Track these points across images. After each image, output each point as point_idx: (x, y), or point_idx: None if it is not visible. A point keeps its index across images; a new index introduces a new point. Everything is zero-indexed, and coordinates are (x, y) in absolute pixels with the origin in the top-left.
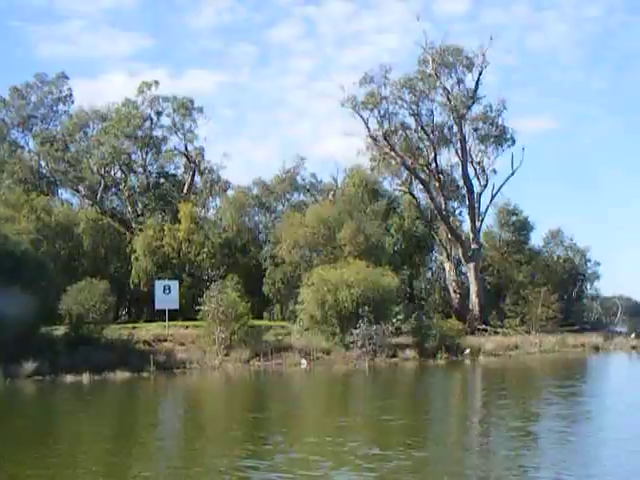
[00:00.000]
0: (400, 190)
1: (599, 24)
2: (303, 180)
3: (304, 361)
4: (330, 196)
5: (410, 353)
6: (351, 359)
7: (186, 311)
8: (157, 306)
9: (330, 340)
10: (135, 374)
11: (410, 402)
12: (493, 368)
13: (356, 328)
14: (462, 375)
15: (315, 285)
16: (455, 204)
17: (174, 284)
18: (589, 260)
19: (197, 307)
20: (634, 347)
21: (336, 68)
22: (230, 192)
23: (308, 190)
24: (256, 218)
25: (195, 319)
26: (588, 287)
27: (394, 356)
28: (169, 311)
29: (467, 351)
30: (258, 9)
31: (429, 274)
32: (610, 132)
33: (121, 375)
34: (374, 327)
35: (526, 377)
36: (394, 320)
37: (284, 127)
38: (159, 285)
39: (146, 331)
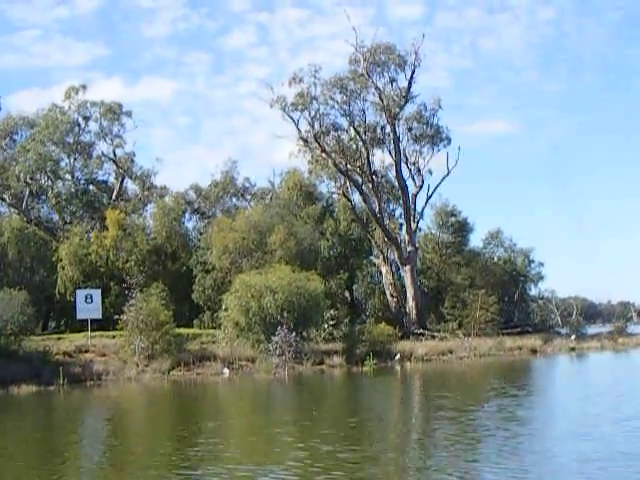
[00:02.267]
0: (335, 193)
1: (552, 26)
2: (236, 185)
3: (226, 370)
4: (267, 200)
5: (337, 360)
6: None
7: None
8: (79, 316)
9: (255, 348)
10: (42, 388)
11: (303, 414)
12: (418, 374)
13: (275, 335)
14: (381, 382)
15: (239, 291)
16: (393, 206)
17: (96, 293)
18: (532, 261)
19: (116, 317)
20: (573, 349)
21: (291, 74)
22: (168, 198)
23: (242, 195)
24: (189, 224)
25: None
26: (532, 288)
27: (321, 363)
28: (93, 321)
29: (397, 356)
30: (211, 17)
31: (369, 278)
32: (564, 133)
33: (27, 389)
34: (293, 334)
35: (443, 383)
36: (325, 326)
37: (240, 134)
38: (81, 294)
39: (69, 342)
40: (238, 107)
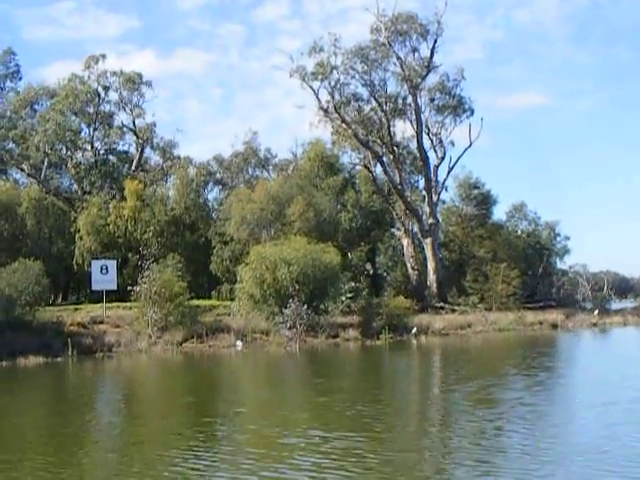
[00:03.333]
0: (357, 164)
1: None
2: (258, 156)
3: (239, 343)
4: (289, 171)
5: (353, 333)
6: (295, 338)
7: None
8: (94, 287)
9: (270, 320)
10: (50, 359)
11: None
12: (432, 348)
13: (287, 307)
14: (391, 357)
15: (253, 263)
16: (415, 178)
17: (111, 264)
18: (558, 234)
19: (129, 288)
20: (595, 324)
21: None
22: (191, 169)
23: (263, 166)
24: (211, 195)
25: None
26: (557, 262)
27: (336, 336)
28: (111, 292)
29: (414, 330)
30: None
31: (392, 251)
32: (597, 106)
33: (35, 360)
34: (305, 306)
35: (453, 359)
36: (343, 299)
37: (272, 106)
38: (96, 265)
39: (86, 313)
40: (270, 79)
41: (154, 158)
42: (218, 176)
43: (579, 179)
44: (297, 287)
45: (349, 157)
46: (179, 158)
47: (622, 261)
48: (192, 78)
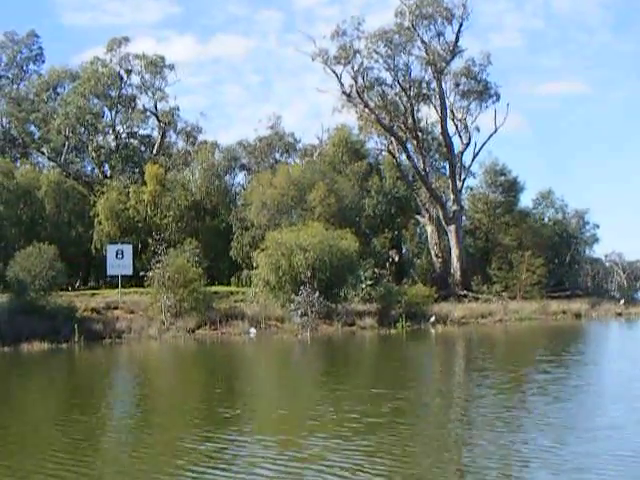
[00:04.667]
0: (381, 150)
1: None
2: (284, 140)
3: (253, 330)
4: (314, 156)
5: (369, 321)
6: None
7: None
8: (109, 271)
9: (285, 307)
10: (55, 345)
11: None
12: (448, 338)
13: (298, 295)
14: (406, 345)
15: (269, 249)
16: (440, 164)
17: (127, 248)
18: (587, 223)
19: (142, 273)
20: (619, 314)
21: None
22: (217, 154)
23: (287, 151)
24: (236, 180)
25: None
26: (586, 251)
27: (352, 324)
28: (128, 277)
29: (432, 319)
30: None
31: (418, 238)
32: (636, 95)
33: (39, 346)
34: (316, 294)
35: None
36: (363, 286)
37: (310, 93)
38: (112, 250)
39: (102, 298)
40: (308, 66)
41: (179, 143)
42: (244, 161)
43: (615, 168)
44: (309, 274)
45: (375, 143)
46: (205, 142)
47: None
48: (231, 63)
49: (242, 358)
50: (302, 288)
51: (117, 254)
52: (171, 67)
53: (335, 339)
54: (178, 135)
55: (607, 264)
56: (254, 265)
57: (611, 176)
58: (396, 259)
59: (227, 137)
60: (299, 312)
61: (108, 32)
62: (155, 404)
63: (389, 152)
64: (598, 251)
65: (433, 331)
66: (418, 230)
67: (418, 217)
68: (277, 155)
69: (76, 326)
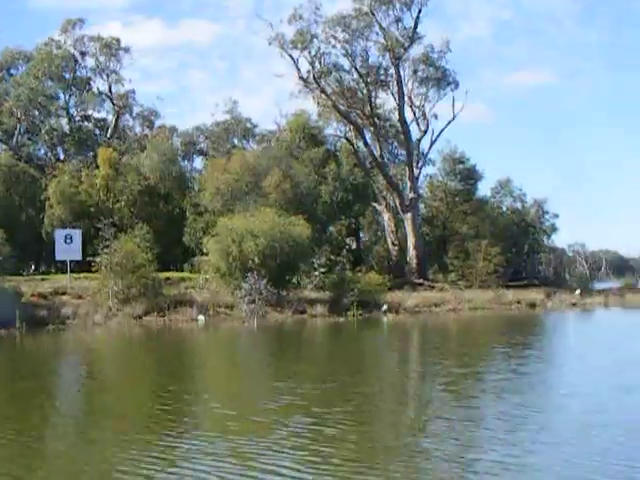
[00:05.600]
0: (339, 136)
1: None
2: (242, 125)
3: (201, 317)
4: (272, 142)
5: (320, 309)
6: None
7: None
8: (57, 256)
9: (235, 295)
10: None
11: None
12: (398, 326)
13: (245, 282)
14: (353, 333)
15: (220, 235)
16: (398, 151)
17: (76, 233)
18: (546, 212)
19: (89, 258)
20: (574, 304)
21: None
22: (174, 138)
23: (244, 136)
24: (192, 165)
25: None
26: (545, 240)
27: (303, 312)
28: (77, 262)
29: (384, 307)
30: None
31: (376, 225)
32: (601, 85)
33: None
34: (264, 281)
35: (417, 337)
36: (316, 273)
37: (277, 79)
38: (60, 234)
39: (50, 284)
40: (276, 52)
41: (137, 127)
42: (202, 147)
43: (580, 158)
44: (258, 261)
45: (333, 130)
46: (163, 127)
47: (621, 240)
48: (198, 49)
49: (183, 346)
50: (250, 275)
51: (66, 239)
52: (127, 50)
53: (283, 327)
54: (135, 119)
55: (570, 254)
56: (204, 251)
57: (576, 166)
58: (353, 246)
59: (193, 123)
60: (246, 299)
61: (76, 16)
62: (95, 399)
63: (346, 139)
64: (561, 241)
65: (385, 320)
66: (376, 218)
67: (375, 205)
68: (235, 141)
69: (18, 312)
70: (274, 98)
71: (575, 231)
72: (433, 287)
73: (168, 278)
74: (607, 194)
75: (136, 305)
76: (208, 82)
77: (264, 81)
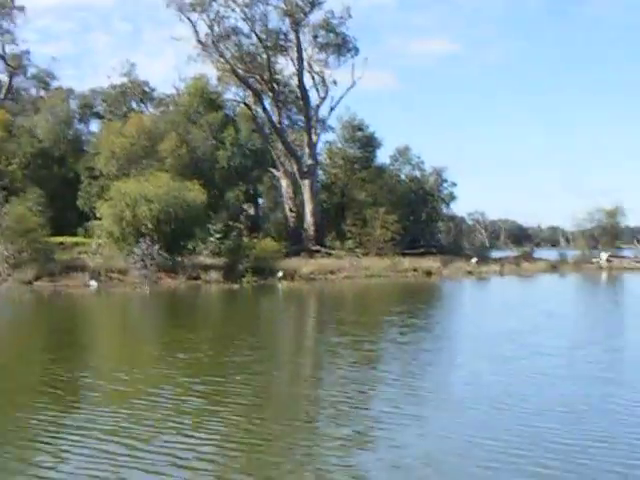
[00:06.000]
0: (237, 101)
1: None
2: (140, 88)
3: (93, 282)
4: (171, 106)
5: (215, 275)
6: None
7: None
8: None
9: (128, 260)
10: None
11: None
12: (292, 292)
13: (137, 247)
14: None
15: (113, 200)
16: (297, 117)
17: None
18: (445, 180)
19: None
20: (470, 272)
21: None
22: (67, 101)
23: (142, 100)
24: (88, 129)
25: None
26: (443, 208)
27: (197, 278)
28: None
29: (280, 274)
30: None
31: (275, 192)
32: (505, 56)
33: None
34: (157, 246)
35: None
36: (212, 239)
37: (181, 43)
38: None
39: None
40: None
41: (32, 89)
42: (100, 110)
43: (479, 127)
44: (151, 226)
45: (233, 95)
46: (60, 89)
47: (520, 210)
48: (100, 11)
49: (70, 312)
50: (142, 240)
51: None
52: (21, 9)
53: (176, 293)
54: (30, 80)
55: (470, 222)
56: (97, 215)
57: (481, 136)
58: (251, 212)
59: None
60: (138, 265)
61: None
62: None
63: (245, 104)
64: (461, 210)
65: (280, 286)
66: (274, 184)
67: (273, 171)
68: (134, 105)
69: None
70: (175, 62)
71: (476, 200)
72: (330, 254)
73: (62, 243)
74: (508, 165)
75: (27, 270)
76: (110, 45)
77: (167, 44)
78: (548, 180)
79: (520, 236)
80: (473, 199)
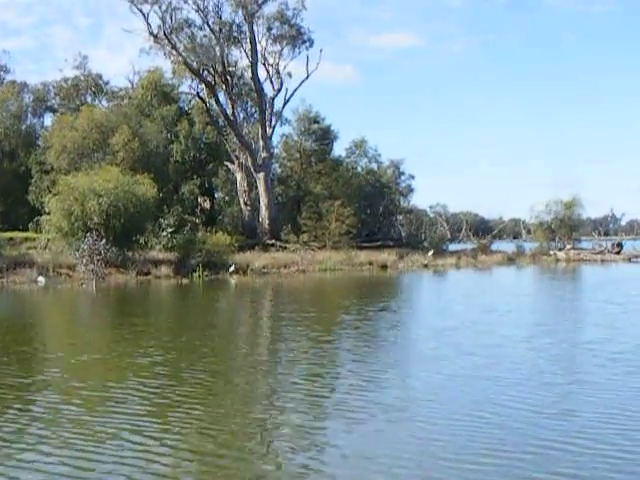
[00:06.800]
0: (192, 94)
1: None
2: (86, 82)
3: (41, 278)
4: (125, 100)
5: (165, 270)
6: (92, 275)
7: None
8: None
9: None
10: None
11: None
12: (243, 286)
13: (84, 242)
14: (191, 293)
15: (62, 194)
16: (252, 110)
17: None
18: (403, 173)
19: None
20: (426, 265)
21: None
22: (27, 95)
23: (95, 93)
24: (43, 123)
25: None
26: (401, 201)
27: (148, 273)
28: None
29: (232, 268)
30: None
31: (230, 185)
32: (465, 50)
33: None
34: (103, 241)
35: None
36: (164, 234)
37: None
38: None
39: None
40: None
41: None
42: (55, 103)
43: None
44: (100, 220)
45: (188, 87)
46: (14, 83)
47: (482, 203)
48: (60, 4)
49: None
50: (88, 235)
51: None
52: None
53: (124, 289)
54: None
55: (432, 215)
56: (46, 210)
57: (440, 129)
58: (207, 206)
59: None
60: (84, 260)
61: None
62: None
63: (199, 97)
64: (423, 203)
65: (232, 280)
66: (230, 177)
67: (228, 164)
68: (89, 98)
69: None
70: (131, 56)
71: (438, 194)
72: (285, 248)
73: (11, 238)
74: (472, 159)
75: None
76: (70, 39)
77: (127, 39)
78: (512, 174)
79: (482, 229)
80: (437, 193)
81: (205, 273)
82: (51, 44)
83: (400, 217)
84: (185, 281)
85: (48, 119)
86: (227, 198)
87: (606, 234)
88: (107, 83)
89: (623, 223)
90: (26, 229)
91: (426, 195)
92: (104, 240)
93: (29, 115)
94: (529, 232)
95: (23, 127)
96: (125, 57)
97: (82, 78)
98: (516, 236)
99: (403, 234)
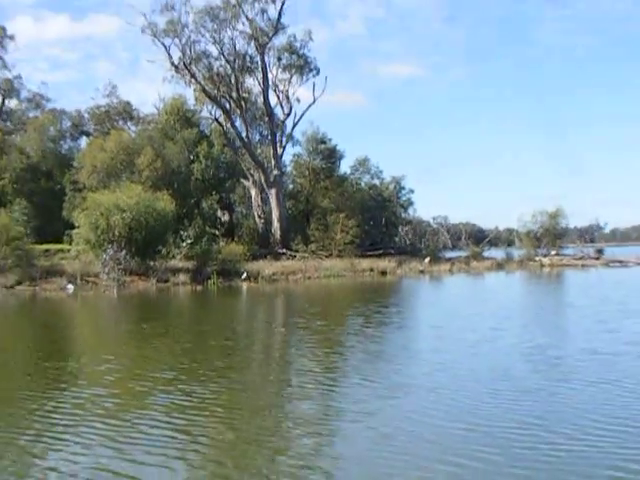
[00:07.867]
0: (211, 119)
1: None
2: (116, 109)
3: (70, 286)
4: (151, 125)
5: (183, 278)
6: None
7: None
8: None
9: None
10: None
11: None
12: (254, 292)
13: (105, 253)
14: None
15: (89, 209)
16: (265, 132)
17: None
18: (403, 188)
19: None
20: (422, 271)
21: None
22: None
23: (124, 119)
24: (79, 146)
25: None
26: (402, 213)
27: (167, 281)
28: None
29: (244, 275)
30: None
31: (247, 200)
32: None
33: None
34: (123, 252)
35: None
36: (183, 244)
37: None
38: None
39: None
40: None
41: (30, 111)
42: (89, 128)
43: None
44: (124, 233)
45: (208, 112)
46: (54, 110)
47: (480, 214)
48: (103, 41)
49: (35, 312)
50: (109, 246)
51: None
52: (12, 37)
53: (144, 294)
54: (24, 102)
55: (434, 225)
56: (76, 224)
57: (446, 148)
58: (226, 219)
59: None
60: (106, 269)
61: None
62: None
63: (217, 121)
64: (427, 214)
65: (244, 287)
66: (246, 193)
67: (244, 181)
68: (121, 123)
69: None
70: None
71: (441, 206)
72: (294, 256)
73: (47, 250)
74: (472, 177)
75: (9, 275)
76: (112, 72)
77: (160, 71)
78: (506, 188)
79: (480, 237)
80: (439, 205)
81: (219, 280)
82: (95, 76)
83: (406, 228)
84: (200, 288)
85: (83, 142)
86: (244, 212)
87: (592, 241)
88: (134, 109)
89: (607, 231)
90: (61, 241)
91: (430, 207)
92: (124, 251)
93: (67, 139)
94: (520, 240)
95: (61, 150)
96: (162, 87)
97: (111, 105)
98: (510, 244)
99: (408, 242)
